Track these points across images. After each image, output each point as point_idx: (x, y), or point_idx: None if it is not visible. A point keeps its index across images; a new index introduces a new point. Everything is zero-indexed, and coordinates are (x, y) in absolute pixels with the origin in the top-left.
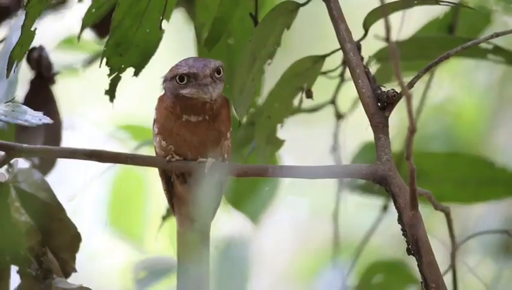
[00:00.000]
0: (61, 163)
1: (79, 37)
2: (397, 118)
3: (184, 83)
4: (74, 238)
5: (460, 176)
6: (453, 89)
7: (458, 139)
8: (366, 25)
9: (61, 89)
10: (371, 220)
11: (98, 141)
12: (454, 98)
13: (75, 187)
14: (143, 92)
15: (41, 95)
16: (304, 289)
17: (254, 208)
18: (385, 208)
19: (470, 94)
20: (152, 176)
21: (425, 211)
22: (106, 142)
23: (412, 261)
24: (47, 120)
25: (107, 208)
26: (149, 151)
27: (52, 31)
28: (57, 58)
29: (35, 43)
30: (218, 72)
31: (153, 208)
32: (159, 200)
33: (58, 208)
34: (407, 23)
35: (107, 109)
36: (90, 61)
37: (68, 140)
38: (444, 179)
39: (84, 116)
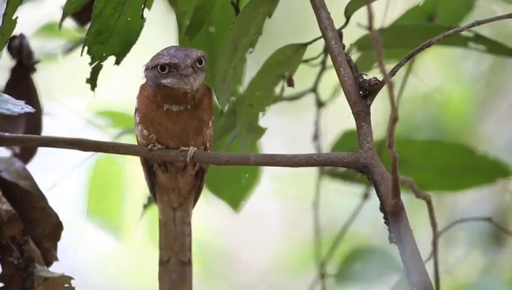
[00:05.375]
0: (42, 151)
1: (60, 26)
2: (379, 106)
3: (165, 72)
4: (56, 227)
5: (442, 164)
6: (441, 79)
7: (446, 129)
8: (348, 13)
9: (40, 76)
10: (352, 208)
11: (78, 128)
12: (442, 87)
13: (56, 175)
14: (124, 80)
15: (22, 83)
16: (286, 277)
17: (235, 196)
18: (366, 196)
19: (458, 84)
20: (132, 164)
21: (407, 198)
22: (86, 130)
23: (394, 250)
24: (29, 109)
25: (87, 196)
26: (130, 139)
27: (32, 17)
28: (36, 44)
29: (15, 30)
30: (200, 62)
31: (133, 196)
32: (139, 188)
33: (40, 197)
34: (390, 12)
35: (87, 96)
36: (70, 49)
37: (48, 128)
38: (425, 167)
39: (64, 103)
